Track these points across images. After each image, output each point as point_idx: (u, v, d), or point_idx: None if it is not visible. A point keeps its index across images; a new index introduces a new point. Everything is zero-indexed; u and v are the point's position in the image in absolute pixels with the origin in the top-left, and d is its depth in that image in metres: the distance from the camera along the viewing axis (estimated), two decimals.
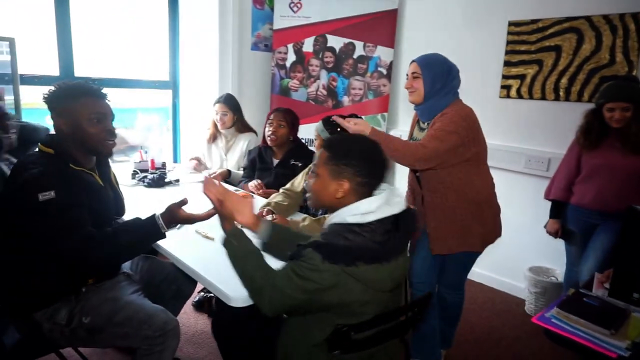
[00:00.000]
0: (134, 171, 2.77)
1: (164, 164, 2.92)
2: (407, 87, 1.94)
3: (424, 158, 1.79)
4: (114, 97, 1.64)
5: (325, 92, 3.63)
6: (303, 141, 2.91)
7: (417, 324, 2.05)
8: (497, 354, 2.47)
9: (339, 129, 2.11)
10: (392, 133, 3.66)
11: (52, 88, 1.53)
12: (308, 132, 3.25)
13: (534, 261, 3.00)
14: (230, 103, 3.03)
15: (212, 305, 2.66)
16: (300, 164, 2.60)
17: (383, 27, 3.48)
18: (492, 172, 2.01)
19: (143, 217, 1.55)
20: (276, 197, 2.22)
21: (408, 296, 2.23)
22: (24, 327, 1.55)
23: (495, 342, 2.58)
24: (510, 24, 2.96)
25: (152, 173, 2.74)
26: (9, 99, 2.59)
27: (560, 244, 2.60)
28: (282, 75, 3.64)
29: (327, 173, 1.30)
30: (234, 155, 3.09)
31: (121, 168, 2.83)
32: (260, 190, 2.57)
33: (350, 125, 1.80)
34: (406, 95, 3.55)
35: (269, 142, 2.71)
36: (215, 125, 3.10)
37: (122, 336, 1.51)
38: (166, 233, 1.53)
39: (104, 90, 1.60)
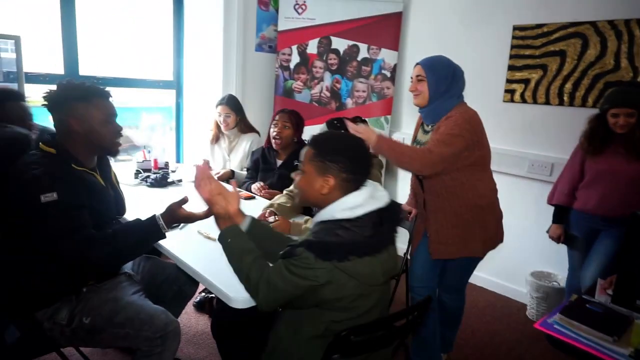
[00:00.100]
0: (137, 171, 2.78)
1: (166, 164, 2.92)
2: (412, 90, 1.94)
3: (431, 163, 1.78)
4: (118, 96, 1.66)
5: (328, 94, 3.63)
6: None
7: (417, 328, 2.05)
8: (498, 359, 2.46)
9: (343, 132, 2.11)
10: (395, 136, 3.66)
11: (57, 87, 1.53)
12: (311, 133, 3.24)
13: (536, 266, 2.99)
14: (232, 104, 3.03)
15: (213, 305, 2.66)
16: None
17: (387, 29, 3.48)
18: (495, 176, 2.01)
19: (144, 217, 1.55)
20: (279, 198, 2.22)
21: (409, 300, 2.23)
22: (24, 326, 1.55)
23: (496, 347, 2.57)
24: (515, 28, 2.96)
25: (155, 173, 2.75)
26: None
27: (562, 249, 2.59)
28: (286, 76, 3.64)
29: (313, 169, 1.32)
30: (237, 155, 3.10)
31: (124, 167, 2.83)
32: (263, 192, 2.58)
33: (358, 129, 1.80)
34: (410, 98, 3.55)
35: (274, 146, 2.71)
36: (218, 126, 3.10)
37: (122, 337, 1.51)
38: (167, 233, 1.54)
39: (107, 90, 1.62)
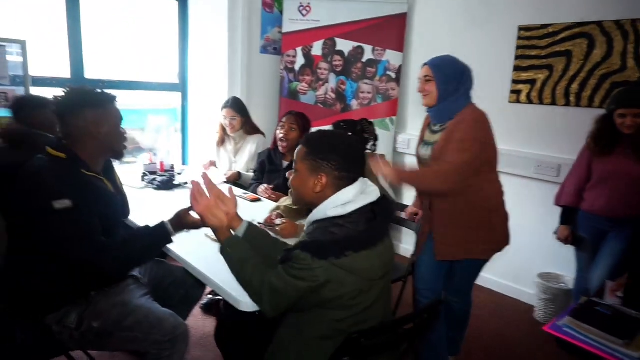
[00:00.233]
0: (144, 173, 2.79)
1: (172, 167, 2.93)
2: (420, 91, 1.93)
3: (455, 173, 1.77)
4: (123, 99, 1.68)
5: (333, 96, 3.63)
6: None
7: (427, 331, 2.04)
8: None
9: (349, 133, 2.11)
10: (400, 137, 3.66)
11: (68, 93, 1.54)
12: None
13: (544, 267, 2.98)
14: (237, 107, 3.04)
15: (220, 308, 2.66)
16: None
17: (392, 31, 3.48)
18: (501, 177, 2.00)
19: (151, 221, 1.56)
20: (285, 200, 2.22)
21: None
22: (34, 330, 1.56)
23: (504, 349, 2.56)
24: (521, 28, 2.95)
25: (161, 175, 2.75)
26: None
27: (570, 250, 2.58)
28: (290, 78, 3.65)
29: (306, 168, 1.33)
30: (242, 157, 3.10)
31: (128, 169, 2.84)
32: (269, 194, 2.58)
33: (379, 169, 1.82)
34: (415, 99, 3.58)
35: (280, 149, 2.72)
36: (224, 129, 3.11)
37: (131, 340, 1.51)
38: (175, 237, 1.56)
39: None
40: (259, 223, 2.04)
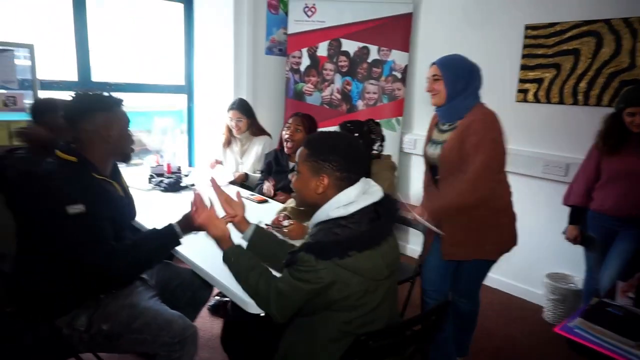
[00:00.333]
0: (150, 175, 2.80)
1: (179, 168, 2.94)
2: (429, 90, 1.92)
3: (481, 179, 1.78)
4: (129, 101, 1.69)
5: (339, 96, 3.63)
6: None
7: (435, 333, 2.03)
8: None
9: (356, 134, 2.11)
10: (406, 137, 3.65)
11: (76, 98, 1.55)
12: None
13: (552, 267, 2.95)
14: (243, 108, 3.04)
15: (227, 309, 2.66)
16: None
17: (397, 31, 3.47)
18: (509, 177, 1.98)
19: (159, 223, 1.58)
20: (292, 202, 2.21)
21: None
22: (44, 332, 1.56)
23: (513, 350, 2.54)
24: (527, 27, 2.93)
25: (168, 177, 2.76)
26: (28, 103, 2.64)
27: (579, 250, 2.56)
28: (296, 79, 3.65)
29: (307, 169, 1.33)
30: (249, 158, 3.11)
31: (134, 171, 2.85)
32: (272, 190, 2.56)
33: (418, 218, 1.86)
34: (421, 99, 3.57)
35: (285, 150, 2.72)
36: (230, 130, 3.12)
37: (140, 342, 1.52)
38: (182, 238, 1.56)
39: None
40: (266, 225, 2.04)
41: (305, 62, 3.61)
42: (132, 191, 1.88)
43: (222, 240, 1.42)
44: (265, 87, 3.71)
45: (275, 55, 3.74)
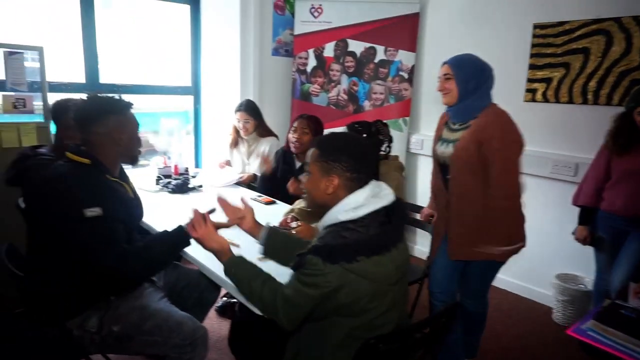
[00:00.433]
0: (158, 177, 2.80)
1: (186, 170, 2.95)
2: (440, 90, 1.91)
3: (514, 181, 1.84)
4: (136, 102, 1.70)
5: (346, 97, 3.62)
6: None
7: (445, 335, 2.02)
8: None
9: (364, 135, 2.10)
10: (414, 137, 3.64)
11: (88, 101, 1.56)
12: None
13: (562, 268, 2.93)
14: (251, 110, 3.05)
15: (235, 310, 2.66)
16: None
17: (404, 31, 3.46)
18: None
19: (167, 223, 1.59)
20: (299, 203, 2.21)
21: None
22: (55, 334, 1.57)
23: (522, 352, 2.52)
24: (536, 26, 2.91)
25: (175, 179, 2.77)
26: (37, 104, 2.66)
27: (588, 250, 2.53)
28: (302, 80, 3.65)
29: (317, 170, 1.33)
30: (256, 159, 3.11)
31: (142, 172, 2.86)
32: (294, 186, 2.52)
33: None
34: (428, 99, 3.55)
35: (293, 149, 2.72)
36: (237, 131, 3.12)
37: (151, 344, 1.52)
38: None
39: None
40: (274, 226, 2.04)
41: (312, 62, 3.61)
42: (139, 192, 1.88)
43: (221, 253, 1.43)
44: (272, 88, 3.71)
45: (282, 56, 3.74)
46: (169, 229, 1.59)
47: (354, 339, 1.24)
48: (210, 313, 2.65)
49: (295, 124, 2.71)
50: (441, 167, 2.02)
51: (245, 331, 1.65)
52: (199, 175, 3.06)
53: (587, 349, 1.32)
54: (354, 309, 1.23)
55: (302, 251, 1.25)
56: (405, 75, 3.50)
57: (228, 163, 3.22)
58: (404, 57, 3.49)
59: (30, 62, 2.63)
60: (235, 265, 1.39)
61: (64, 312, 1.52)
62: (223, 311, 2.72)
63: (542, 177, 2.93)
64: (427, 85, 3.56)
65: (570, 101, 2.82)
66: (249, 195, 2.73)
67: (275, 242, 1.53)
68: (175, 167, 2.89)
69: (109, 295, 1.58)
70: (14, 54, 2.51)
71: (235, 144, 3.18)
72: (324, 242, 1.25)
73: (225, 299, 2.77)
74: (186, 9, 3.59)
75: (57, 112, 2.06)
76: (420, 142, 3.60)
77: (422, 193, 3.59)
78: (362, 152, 1.34)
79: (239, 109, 3.04)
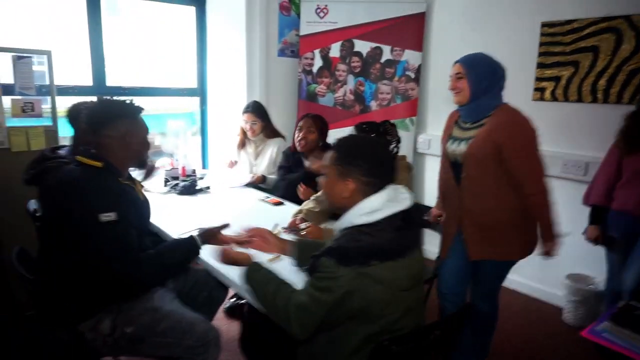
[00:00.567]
0: (166, 178, 2.81)
1: (194, 171, 2.95)
2: (452, 89, 1.89)
3: (542, 177, 1.86)
4: (143, 104, 1.71)
5: (352, 97, 3.61)
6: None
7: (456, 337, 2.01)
8: None
9: (366, 135, 2.09)
10: (421, 137, 3.62)
11: (99, 105, 1.57)
12: (336, 137, 3.22)
13: (572, 268, 2.90)
14: (258, 111, 3.05)
15: (244, 311, 2.66)
16: None
17: (410, 30, 3.45)
18: None
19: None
20: (307, 204, 2.21)
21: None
22: (67, 336, 1.57)
23: (533, 353, 2.50)
24: (544, 25, 2.89)
25: (183, 180, 2.77)
26: (46, 108, 2.67)
27: (599, 250, 2.51)
28: (309, 80, 3.64)
29: (334, 173, 1.33)
30: (263, 160, 3.11)
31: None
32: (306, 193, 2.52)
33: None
34: (435, 99, 3.53)
35: (298, 148, 2.72)
36: (244, 132, 3.12)
37: (164, 346, 1.52)
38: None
39: None
40: (282, 228, 2.04)
41: (318, 63, 3.60)
42: (147, 194, 1.88)
43: (244, 263, 1.47)
44: (278, 88, 3.71)
45: (288, 57, 3.74)
46: (181, 239, 1.63)
47: (369, 346, 1.23)
48: (219, 314, 2.66)
49: (301, 123, 2.71)
50: (452, 166, 2.00)
51: (256, 332, 1.65)
52: (206, 176, 3.06)
53: (603, 351, 1.30)
54: (367, 315, 1.22)
55: (316, 253, 1.25)
56: (412, 75, 3.49)
57: (234, 164, 3.21)
58: (410, 57, 3.47)
59: (38, 66, 2.65)
60: (251, 271, 1.40)
61: (76, 315, 1.53)
62: (232, 312, 2.72)
63: (552, 176, 2.88)
64: (434, 85, 3.54)
65: (580, 100, 2.79)
66: (258, 196, 2.73)
67: (308, 254, 1.53)
68: (183, 168, 2.90)
69: (119, 300, 1.58)
70: (22, 58, 2.52)
71: (242, 145, 3.18)
72: (338, 244, 1.25)
73: (234, 299, 2.77)
74: (192, 10, 3.59)
75: (73, 115, 2.06)
76: (428, 141, 3.58)
77: (430, 193, 3.57)
78: (380, 157, 1.33)
79: (246, 111, 3.04)
